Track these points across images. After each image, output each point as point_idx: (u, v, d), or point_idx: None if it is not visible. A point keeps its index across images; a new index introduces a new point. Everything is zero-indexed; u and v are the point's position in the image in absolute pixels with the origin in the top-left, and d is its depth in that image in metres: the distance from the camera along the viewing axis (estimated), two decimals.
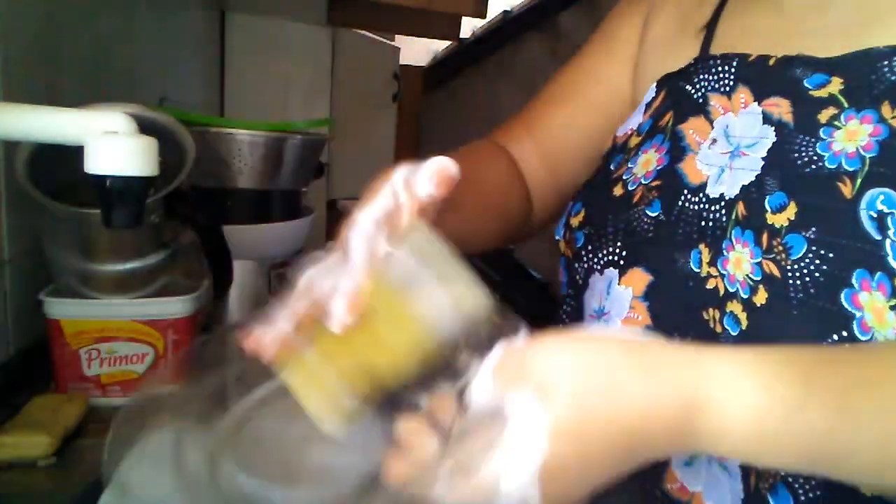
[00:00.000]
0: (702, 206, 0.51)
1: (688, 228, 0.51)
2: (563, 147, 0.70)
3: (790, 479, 0.45)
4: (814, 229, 0.44)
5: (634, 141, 0.60)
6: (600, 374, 0.33)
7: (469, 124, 3.26)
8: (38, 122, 0.46)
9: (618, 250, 0.54)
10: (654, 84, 0.61)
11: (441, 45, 3.23)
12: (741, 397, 0.34)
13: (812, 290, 0.43)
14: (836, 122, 0.47)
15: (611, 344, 0.35)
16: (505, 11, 2.87)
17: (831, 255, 0.43)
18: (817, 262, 0.43)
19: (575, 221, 0.60)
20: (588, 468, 0.33)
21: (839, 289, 0.42)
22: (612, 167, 0.61)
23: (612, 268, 0.54)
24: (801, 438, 0.34)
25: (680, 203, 0.52)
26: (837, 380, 0.35)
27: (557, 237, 0.63)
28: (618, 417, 0.33)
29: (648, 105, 0.62)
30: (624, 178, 0.58)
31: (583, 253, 0.57)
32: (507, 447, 0.31)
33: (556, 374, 0.33)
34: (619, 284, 0.53)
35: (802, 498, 0.44)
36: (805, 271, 0.43)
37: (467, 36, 3.05)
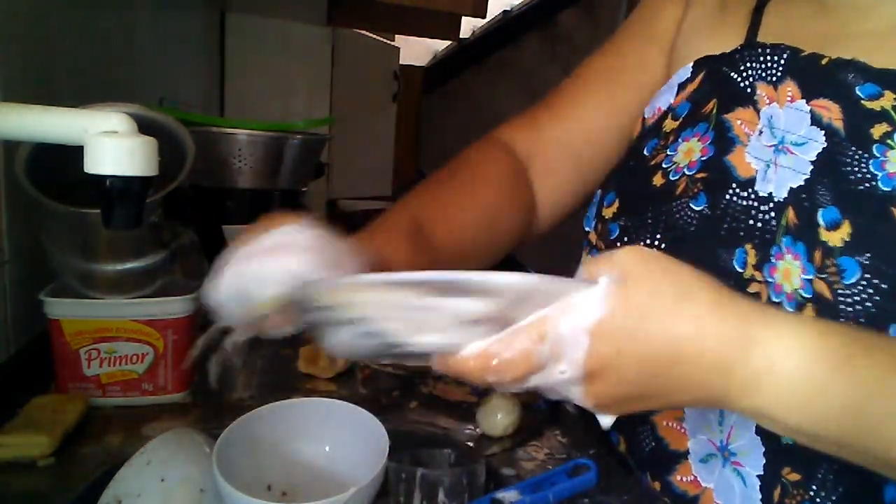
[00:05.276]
0: (750, 202, 0.50)
1: (734, 224, 0.50)
2: (592, 128, 0.67)
3: (818, 501, 0.45)
4: (868, 255, 0.43)
5: (671, 125, 0.58)
6: (674, 280, 0.35)
7: (469, 124, 3.25)
8: (38, 122, 0.46)
9: (657, 243, 0.53)
10: (691, 64, 0.59)
11: (441, 45, 3.22)
12: (796, 339, 0.34)
13: (861, 320, 0.42)
14: (889, 141, 0.46)
15: (689, 267, 0.36)
16: (505, 11, 2.87)
17: (884, 286, 0.42)
18: (870, 291, 0.43)
19: (609, 212, 0.58)
20: (631, 352, 0.34)
21: (888, 323, 0.42)
22: (646, 152, 0.59)
23: None
24: (845, 392, 0.34)
25: (727, 197, 0.51)
26: (883, 343, 0.35)
27: (588, 228, 0.62)
28: (677, 319, 0.34)
29: (682, 86, 0.59)
30: (664, 166, 0.56)
31: (618, 244, 0.56)
32: (573, 300, 0.33)
33: (638, 268, 0.34)
34: None
35: None
36: (857, 299, 0.43)
37: (467, 36, 3.05)
